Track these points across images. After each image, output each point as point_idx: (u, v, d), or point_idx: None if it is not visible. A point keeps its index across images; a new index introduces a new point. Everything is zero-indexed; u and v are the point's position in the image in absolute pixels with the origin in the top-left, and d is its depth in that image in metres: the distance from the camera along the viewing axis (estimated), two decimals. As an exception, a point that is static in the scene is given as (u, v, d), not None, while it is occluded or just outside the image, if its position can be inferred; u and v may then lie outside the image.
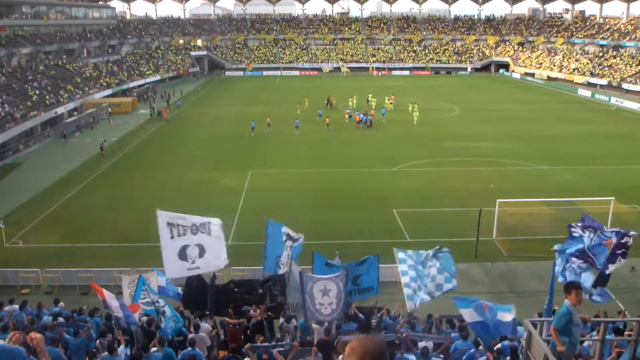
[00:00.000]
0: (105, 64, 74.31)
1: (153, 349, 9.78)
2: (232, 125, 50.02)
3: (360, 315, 12.87)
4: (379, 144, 43.03)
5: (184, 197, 29.69)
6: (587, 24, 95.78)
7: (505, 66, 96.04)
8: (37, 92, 51.51)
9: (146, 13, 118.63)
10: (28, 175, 35.37)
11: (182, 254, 12.50)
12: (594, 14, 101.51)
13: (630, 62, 75.10)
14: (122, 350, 10.27)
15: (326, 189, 31.69)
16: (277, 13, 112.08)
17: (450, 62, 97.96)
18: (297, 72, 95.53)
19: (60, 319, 12.85)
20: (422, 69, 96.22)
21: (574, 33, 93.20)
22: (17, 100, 47.51)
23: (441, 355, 10.30)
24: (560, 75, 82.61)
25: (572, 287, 7.19)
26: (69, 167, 36.67)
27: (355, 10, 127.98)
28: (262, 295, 13.55)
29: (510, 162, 37.08)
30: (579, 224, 11.30)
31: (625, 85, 70.39)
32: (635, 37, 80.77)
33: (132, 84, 73.24)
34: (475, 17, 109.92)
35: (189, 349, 10.05)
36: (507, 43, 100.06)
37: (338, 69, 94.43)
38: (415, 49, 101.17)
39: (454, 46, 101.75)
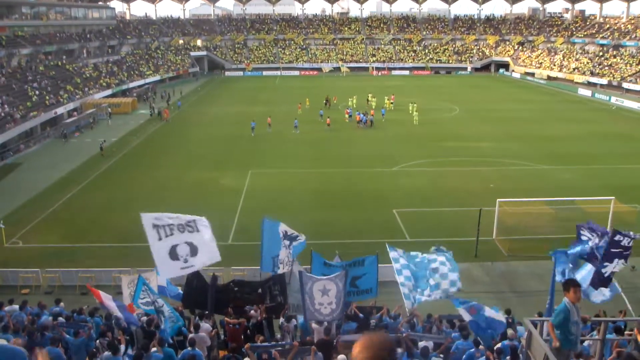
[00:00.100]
0: (105, 65, 74.31)
1: (153, 349, 9.77)
2: (232, 126, 50.01)
3: (360, 315, 12.86)
4: (379, 143, 43.02)
5: (184, 197, 29.70)
6: (587, 23, 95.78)
7: (505, 66, 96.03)
8: (37, 92, 51.51)
9: (146, 13, 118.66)
10: (28, 176, 35.37)
11: (173, 254, 12.48)
12: (594, 13, 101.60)
13: (631, 62, 75.08)
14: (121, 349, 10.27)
15: (326, 189, 31.68)
16: (277, 13, 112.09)
17: (450, 61, 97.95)
18: (297, 72, 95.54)
19: (61, 319, 12.85)
20: (422, 68, 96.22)
21: (574, 32, 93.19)
22: (17, 100, 47.51)
23: (441, 355, 10.30)
24: (560, 75, 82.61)
25: (571, 284, 7.23)
26: (69, 168, 36.67)
27: (355, 10, 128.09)
28: (261, 295, 13.54)
29: (511, 162, 37.07)
30: (586, 226, 11.39)
31: (625, 85, 70.37)
32: (636, 36, 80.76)
33: (132, 84, 73.24)
34: (475, 16, 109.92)
35: (189, 348, 10.05)
36: (507, 43, 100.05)
37: (338, 69, 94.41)
38: (415, 48, 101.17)
39: (453, 46, 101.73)
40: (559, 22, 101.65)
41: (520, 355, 8.64)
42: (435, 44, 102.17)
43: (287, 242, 13.89)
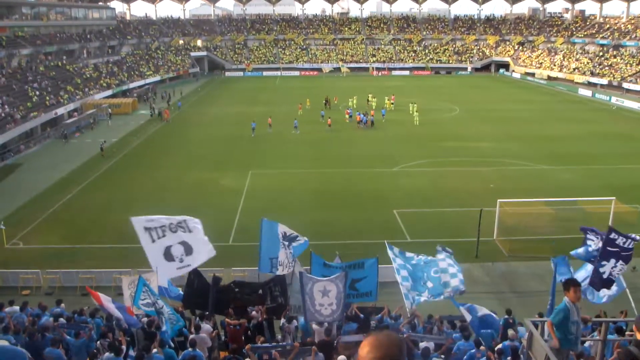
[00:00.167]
0: (105, 65, 74.32)
1: (154, 350, 9.76)
2: (232, 126, 50.01)
3: (361, 315, 12.86)
4: (379, 144, 43.01)
5: (184, 198, 29.71)
6: (587, 23, 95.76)
7: (506, 66, 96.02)
8: (37, 93, 51.52)
9: (146, 13, 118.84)
10: (28, 176, 35.37)
11: (168, 255, 12.50)
12: (594, 13, 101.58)
13: (631, 62, 75.07)
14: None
15: (326, 189, 31.68)
16: (277, 13, 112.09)
17: (450, 62, 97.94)
18: (297, 73, 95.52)
19: (62, 320, 12.84)
20: (422, 69, 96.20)
21: (574, 32, 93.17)
22: (17, 101, 47.51)
23: (442, 356, 10.30)
24: (560, 75, 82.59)
25: (571, 284, 7.24)
26: (69, 168, 36.67)
27: (355, 10, 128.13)
28: (262, 296, 13.54)
29: (511, 162, 37.06)
30: (590, 230, 11.49)
31: (625, 85, 70.36)
32: (636, 36, 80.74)
33: (132, 85, 73.25)
34: (475, 16, 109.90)
35: (190, 349, 10.04)
36: (507, 43, 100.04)
37: (338, 69, 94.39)
38: (415, 48, 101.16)
39: (454, 46, 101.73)
40: (559, 22, 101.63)
41: (521, 355, 8.64)
42: (436, 44, 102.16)
43: (286, 243, 13.88)
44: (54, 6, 74.26)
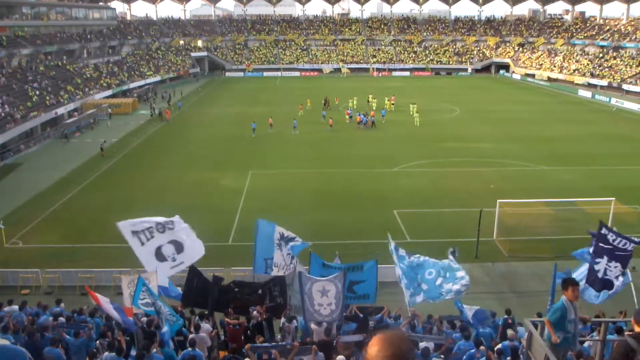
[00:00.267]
0: (106, 65, 74.34)
1: (154, 350, 9.76)
2: (232, 126, 50.01)
3: (361, 315, 12.85)
4: (379, 144, 43.01)
5: (184, 198, 29.70)
6: (587, 25, 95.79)
7: (506, 67, 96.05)
8: (37, 92, 51.53)
9: (146, 14, 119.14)
10: (28, 176, 35.37)
11: (160, 256, 12.51)
12: (594, 15, 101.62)
13: (631, 63, 75.09)
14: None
15: (326, 190, 31.67)
16: (278, 14, 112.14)
17: (451, 63, 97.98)
18: (297, 73, 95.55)
19: (61, 319, 12.83)
20: (423, 69, 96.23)
21: (574, 34, 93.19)
22: (17, 100, 47.52)
23: (442, 356, 10.29)
24: (560, 76, 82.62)
25: (570, 283, 7.26)
26: (69, 168, 36.67)
27: (355, 11, 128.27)
28: (262, 296, 13.55)
29: (511, 163, 37.06)
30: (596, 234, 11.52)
31: (625, 86, 70.37)
32: (636, 38, 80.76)
33: (132, 85, 73.26)
34: (476, 18, 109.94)
35: (189, 349, 10.03)
36: (508, 44, 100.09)
37: (338, 69, 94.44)
38: (415, 49, 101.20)
39: (454, 47, 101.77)
40: (559, 24, 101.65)
41: (521, 355, 8.64)
42: (436, 45, 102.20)
43: (283, 244, 13.90)
44: (54, 6, 74.28)
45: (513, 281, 20.95)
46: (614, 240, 11.03)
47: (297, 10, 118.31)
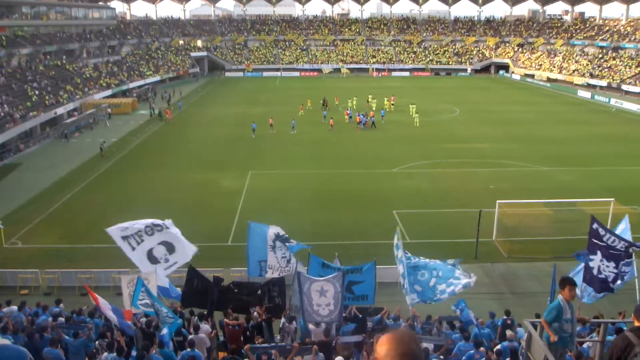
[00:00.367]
0: (105, 65, 74.30)
1: (153, 351, 9.75)
2: (232, 126, 50.00)
3: (360, 315, 12.85)
4: (379, 145, 43.01)
5: (183, 198, 29.69)
6: (587, 25, 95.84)
7: (505, 67, 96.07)
8: (37, 92, 51.49)
9: (146, 14, 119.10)
10: (28, 176, 35.34)
11: (152, 258, 12.52)
12: (593, 15, 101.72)
13: (630, 64, 75.14)
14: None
15: (326, 190, 31.66)
16: (277, 14, 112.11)
17: (450, 63, 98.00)
18: (297, 73, 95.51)
19: (61, 320, 12.83)
20: (422, 70, 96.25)
21: (574, 34, 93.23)
22: (17, 100, 47.49)
23: (441, 357, 10.29)
24: (560, 77, 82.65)
25: (567, 282, 7.27)
26: (69, 168, 36.64)
27: (355, 12, 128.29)
28: (260, 296, 13.55)
29: (510, 163, 37.07)
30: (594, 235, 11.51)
31: (624, 87, 70.42)
32: (635, 38, 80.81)
33: (132, 85, 73.22)
34: (475, 18, 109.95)
35: (189, 350, 10.04)
36: (507, 44, 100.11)
37: (338, 70, 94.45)
38: (415, 50, 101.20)
39: (453, 47, 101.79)
40: (559, 24, 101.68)
41: (520, 356, 8.64)
42: (436, 46, 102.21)
43: (279, 244, 13.89)
44: (54, 6, 74.22)
45: (512, 282, 20.95)
46: (608, 239, 10.99)
47: (296, 11, 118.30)
